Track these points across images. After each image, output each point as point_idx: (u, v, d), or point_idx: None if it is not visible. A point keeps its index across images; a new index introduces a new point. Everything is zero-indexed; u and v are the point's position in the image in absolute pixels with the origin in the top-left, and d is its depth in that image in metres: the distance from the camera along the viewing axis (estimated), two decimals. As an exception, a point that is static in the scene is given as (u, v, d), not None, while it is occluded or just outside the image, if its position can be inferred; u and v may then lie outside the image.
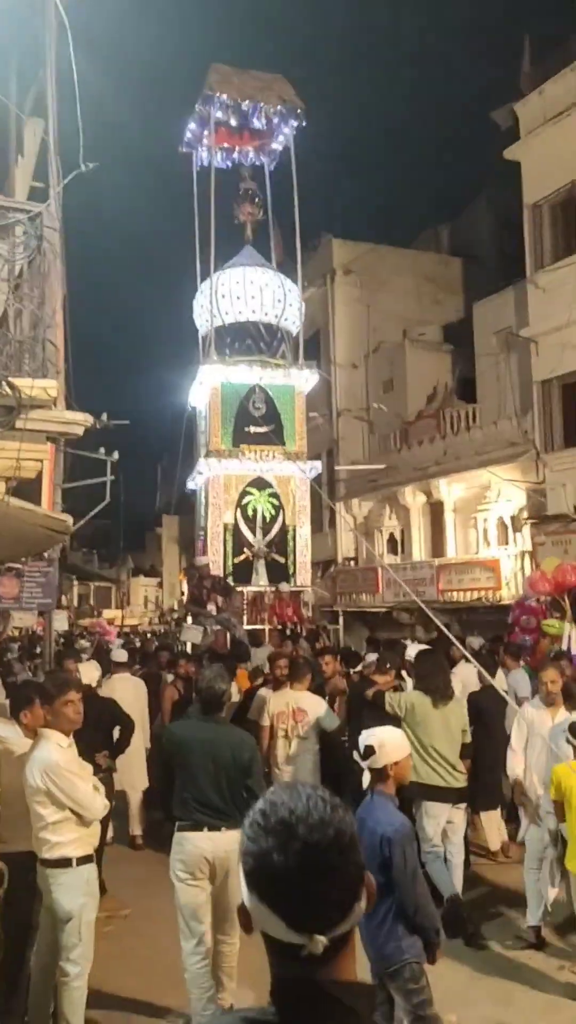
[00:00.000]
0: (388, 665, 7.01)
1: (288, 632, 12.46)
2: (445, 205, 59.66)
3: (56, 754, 4.27)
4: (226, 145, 18.28)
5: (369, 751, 3.87)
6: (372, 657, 8.41)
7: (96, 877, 4.50)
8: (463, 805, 6.25)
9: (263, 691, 7.16)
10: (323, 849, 1.16)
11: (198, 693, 4.96)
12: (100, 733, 6.28)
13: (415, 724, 6.06)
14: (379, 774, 3.91)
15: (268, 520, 16.99)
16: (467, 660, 6.99)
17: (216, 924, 4.65)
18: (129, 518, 45.13)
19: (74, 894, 4.26)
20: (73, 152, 5.31)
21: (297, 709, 6.76)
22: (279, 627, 12.94)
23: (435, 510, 20.98)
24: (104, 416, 16.60)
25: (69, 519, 5.53)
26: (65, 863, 4.26)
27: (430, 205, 69.87)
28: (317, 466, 17.63)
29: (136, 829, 8.36)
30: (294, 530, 17.24)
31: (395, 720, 6.06)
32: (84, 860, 4.32)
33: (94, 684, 7.74)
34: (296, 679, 6.93)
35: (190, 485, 19.00)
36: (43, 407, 4.23)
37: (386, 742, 3.95)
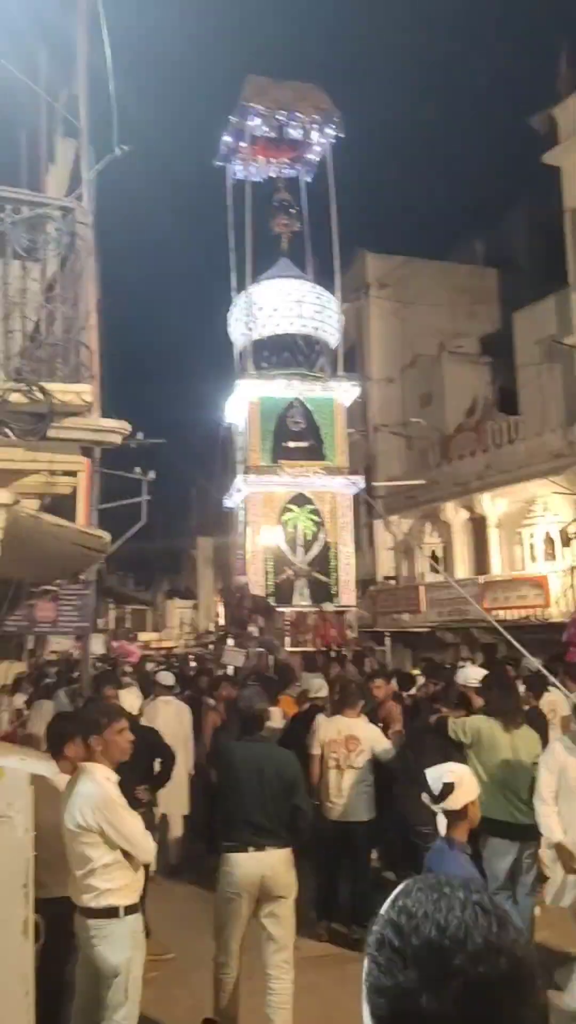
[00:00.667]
0: (450, 693, 6.40)
1: (333, 655, 11.99)
2: (480, 215, 59.04)
3: (108, 789, 3.89)
4: (261, 158, 18.04)
5: (448, 789, 3.40)
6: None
7: (143, 927, 4.10)
8: (533, 843, 5.72)
9: (320, 717, 6.71)
10: (494, 989, 0.80)
11: (238, 714, 4.98)
12: (140, 765, 5.89)
13: (481, 752, 5.57)
14: (456, 816, 3.45)
15: (309, 538, 16.54)
16: (552, 684, 6.43)
17: (267, 958, 4.51)
18: (164, 540, 44.99)
19: (121, 947, 3.86)
20: (106, 148, 5.04)
21: (350, 737, 6.31)
22: (323, 649, 12.45)
23: (478, 526, 20.49)
24: (140, 435, 16.46)
25: (107, 536, 5.20)
26: (112, 913, 3.85)
27: (465, 215, 69.24)
28: (360, 481, 17.13)
29: (175, 858, 7.97)
30: (336, 548, 16.73)
31: (458, 749, 5.60)
32: (131, 910, 3.92)
33: (135, 712, 7.38)
34: (348, 705, 6.48)
35: (227, 504, 18.65)
36: (77, 414, 3.90)
37: (464, 778, 3.50)
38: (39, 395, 3.72)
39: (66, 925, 4.03)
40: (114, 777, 4.01)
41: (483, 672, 6.85)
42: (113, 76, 4.73)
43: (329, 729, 6.43)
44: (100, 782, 3.91)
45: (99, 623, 51.03)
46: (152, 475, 14.78)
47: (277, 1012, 4.52)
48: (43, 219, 4.08)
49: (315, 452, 16.45)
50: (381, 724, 6.93)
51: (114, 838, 3.82)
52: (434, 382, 22.91)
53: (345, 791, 6.30)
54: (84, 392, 3.86)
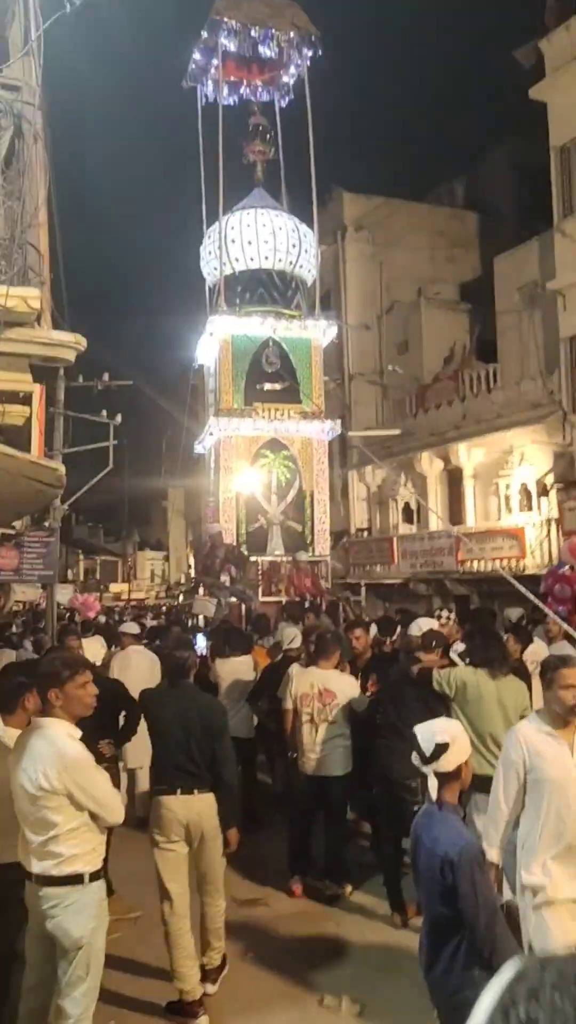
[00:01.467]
0: (434, 643, 6.02)
1: (307, 604, 11.62)
2: (461, 156, 57.38)
3: (73, 747, 3.48)
4: (233, 79, 16.76)
5: (440, 750, 3.04)
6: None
7: (106, 895, 3.73)
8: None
9: (295, 667, 6.36)
10: None
11: (163, 661, 5.25)
12: (104, 718, 5.49)
13: (465, 704, 5.25)
14: (448, 778, 3.09)
15: (283, 485, 15.86)
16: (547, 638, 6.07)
17: (199, 887, 4.74)
18: (134, 491, 44.31)
19: (85, 917, 3.49)
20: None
21: (324, 690, 5.97)
22: (296, 599, 12.07)
23: (453, 477, 20.20)
24: (106, 376, 15.76)
25: (61, 468, 4.70)
26: (76, 880, 3.47)
27: (444, 156, 66.90)
28: (336, 427, 16.46)
29: (143, 810, 7.67)
30: (312, 496, 16.07)
31: (440, 701, 5.27)
32: (96, 876, 3.55)
33: (99, 663, 6.97)
34: (322, 655, 6.12)
35: (198, 448, 17.91)
36: (24, 325, 3.38)
37: (458, 737, 3.14)
38: (-23, 299, 3.19)
39: (16, 893, 3.66)
40: (77, 733, 3.60)
41: (434, 623, 6.54)
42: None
43: (302, 682, 6.08)
44: (63, 739, 3.49)
45: (68, 574, 50.96)
46: (119, 419, 14.15)
47: (210, 931, 4.76)
48: (-18, 98, 3.51)
49: (291, 395, 15.69)
50: (360, 676, 6.60)
51: (82, 800, 3.44)
52: (411, 329, 22.33)
53: (320, 745, 5.98)
54: (31, 297, 3.34)
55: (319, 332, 16.35)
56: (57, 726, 3.54)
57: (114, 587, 48.44)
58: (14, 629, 16.23)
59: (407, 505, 21.08)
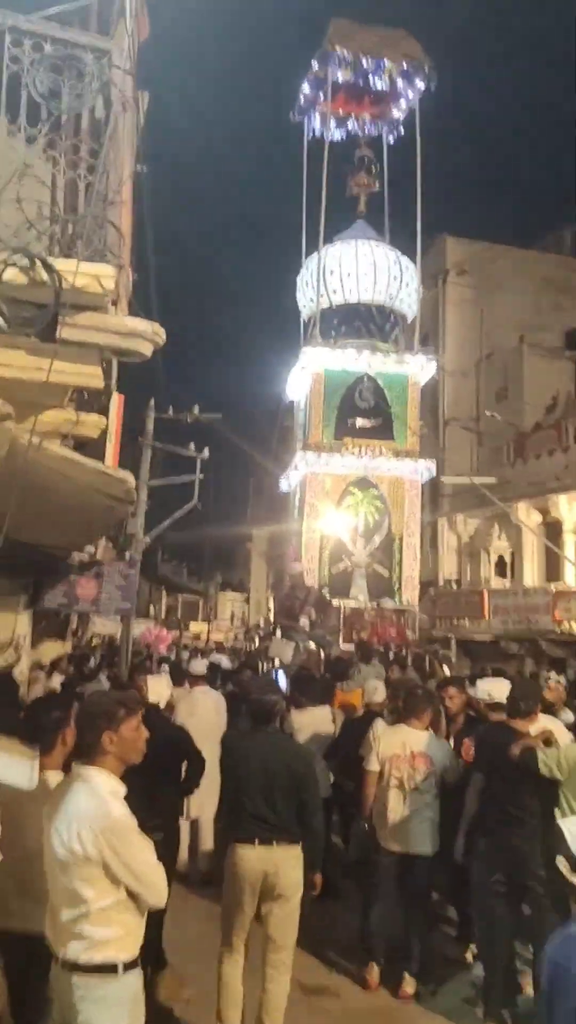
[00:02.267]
0: (524, 705, 5.15)
1: (392, 657, 10.81)
2: (570, 203, 56.29)
3: (116, 807, 2.90)
4: (342, 112, 16.51)
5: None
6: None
7: (142, 989, 3.09)
8: None
9: (379, 724, 5.66)
10: None
11: (248, 704, 4.93)
12: (166, 767, 4.92)
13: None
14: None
15: (371, 526, 15.03)
16: None
17: (264, 957, 4.37)
18: (219, 529, 44.38)
19: (116, 1015, 2.88)
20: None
21: (418, 753, 5.23)
22: (381, 649, 11.26)
23: (552, 530, 19.16)
24: (196, 409, 15.53)
25: (131, 479, 4.24)
26: (108, 969, 2.86)
27: (553, 202, 65.39)
28: (431, 467, 15.61)
29: (205, 863, 7.03)
30: (401, 540, 15.20)
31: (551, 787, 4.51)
32: (131, 965, 2.91)
33: (163, 704, 6.45)
34: (414, 714, 5.40)
35: (283, 486, 17.34)
36: (96, 309, 2.95)
37: None
38: (43, 273, 2.76)
39: (39, 970, 3.08)
40: (121, 791, 3.02)
41: (504, 685, 5.59)
42: None
43: (392, 741, 5.36)
44: (104, 797, 2.92)
45: (151, 610, 51.40)
46: (206, 452, 13.85)
47: (268, 1015, 4.31)
48: (72, 61, 3.15)
49: (384, 432, 14.98)
50: (452, 740, 5.85)
51: (119, 873, 2.82)
52: (512, 376, 21.55)
53: (408, 816, 5.23)
54: (104, 275, 2.89)
55: (417, 368, 15.63)
56: (103, 778, 2.98)
57: (194, 626, 48.83)
58: (91, 663, 15.97)
59: (500, 558, 20.09)
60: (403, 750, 5.25)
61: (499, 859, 4.80)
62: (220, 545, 52.09)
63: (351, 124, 16.94)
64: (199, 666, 7.95)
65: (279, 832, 4.29)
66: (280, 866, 4.26)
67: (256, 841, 4.29)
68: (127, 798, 3.00)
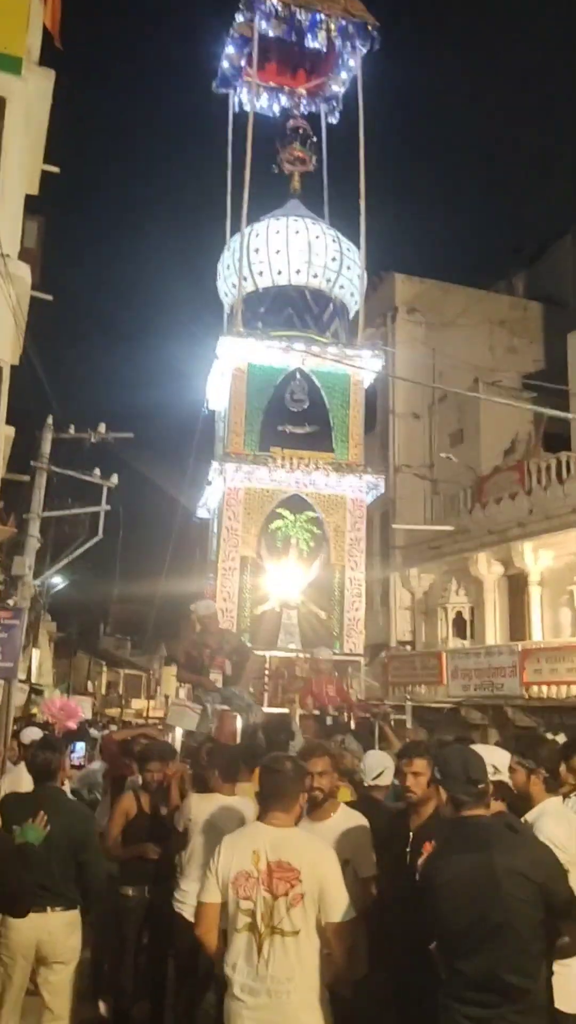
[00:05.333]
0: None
1: (329, 720, 8.40)
2: (521, 247, 56.61)
3: None
4: (272, 84, 14.70)
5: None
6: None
7: None
8: None
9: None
10: None
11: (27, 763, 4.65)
12: None
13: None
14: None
15: (305, 556, 12.27)
16: None
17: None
18: (167, 602, 41.54)
19: None
20: None
21: (276, 864, 2.94)
22: (315, 712, 8.81)
23: (515, 583, 17.29)
24: (102, 427, 13.34)
25: None
26: None
27: (506, 247, 65.11)
28: (379, 484, 13.09)
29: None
30: (342, 573, 12.44)
31: None
32: None
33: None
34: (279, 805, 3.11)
35: (201, 512, 14.72)
36: None
37: None
38: None
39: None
40: None
41: (500, 753, 3.88)
42: None
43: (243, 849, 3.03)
44: None
45: (89, 685, 48.16)
46: (115, 479, 11.62)
47: None
48: None
49: (320, 441, 12.42)
50: (412, 837, 3.57)
51: None
52: (467, 418, 20.00)
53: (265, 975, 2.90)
54: None
55: (361, 364, 13.10)
56: None
57: (136, 703, 46.63)
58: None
59: (459, 614, 18.05)
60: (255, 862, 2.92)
61: None
62: (165, 616, 49.42)
63: (285, 99, 15.03)
64: (31, 733, 5.69)
65: (55, 898, 4.07)
66: (55, 933, 4.07)
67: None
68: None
